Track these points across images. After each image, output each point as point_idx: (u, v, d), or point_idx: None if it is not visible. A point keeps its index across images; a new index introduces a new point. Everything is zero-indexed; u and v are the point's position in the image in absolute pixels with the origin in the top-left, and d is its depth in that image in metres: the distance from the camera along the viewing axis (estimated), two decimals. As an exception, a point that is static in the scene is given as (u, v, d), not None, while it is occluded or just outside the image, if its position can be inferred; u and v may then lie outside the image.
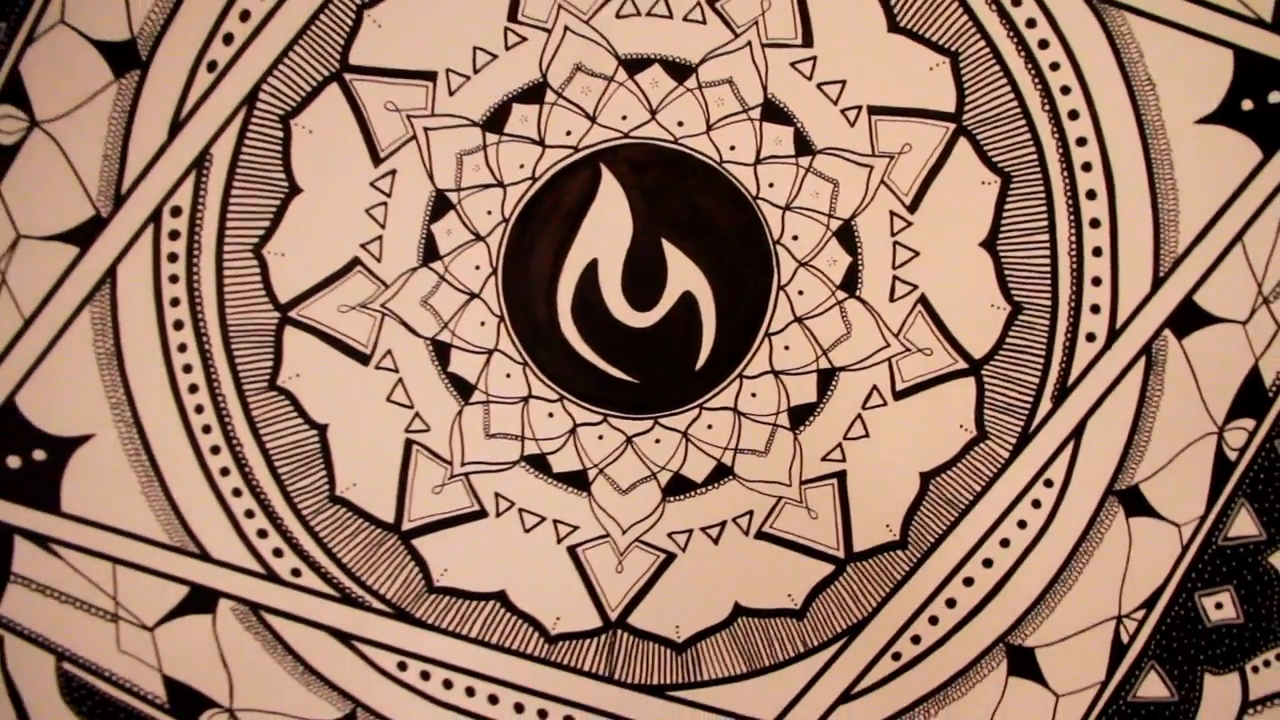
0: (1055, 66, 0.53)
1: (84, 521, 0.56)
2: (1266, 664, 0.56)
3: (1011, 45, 0.53)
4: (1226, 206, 0.54)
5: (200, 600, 0.56)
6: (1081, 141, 0.54)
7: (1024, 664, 0.56)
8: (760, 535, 0.57)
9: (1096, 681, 0.57)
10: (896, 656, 0.57)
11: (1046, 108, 0.54)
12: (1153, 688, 0.56)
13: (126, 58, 0.53)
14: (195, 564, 0.57)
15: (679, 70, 0.54)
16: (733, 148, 0.55)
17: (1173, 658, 0.55)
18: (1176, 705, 0.56)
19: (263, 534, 0.56)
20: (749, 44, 0.54)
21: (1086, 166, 0.54)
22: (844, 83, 0.54)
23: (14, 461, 0.55)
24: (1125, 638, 0.56)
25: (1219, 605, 0.56)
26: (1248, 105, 0.53)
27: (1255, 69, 0.53)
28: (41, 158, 0.54)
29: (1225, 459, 0.55)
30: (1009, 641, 0.56)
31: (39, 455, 0.55)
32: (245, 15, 0.52)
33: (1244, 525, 0.55)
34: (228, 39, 0.53)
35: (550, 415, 0.56)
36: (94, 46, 0.53)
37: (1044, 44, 0.53)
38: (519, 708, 0.57)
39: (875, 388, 0.55)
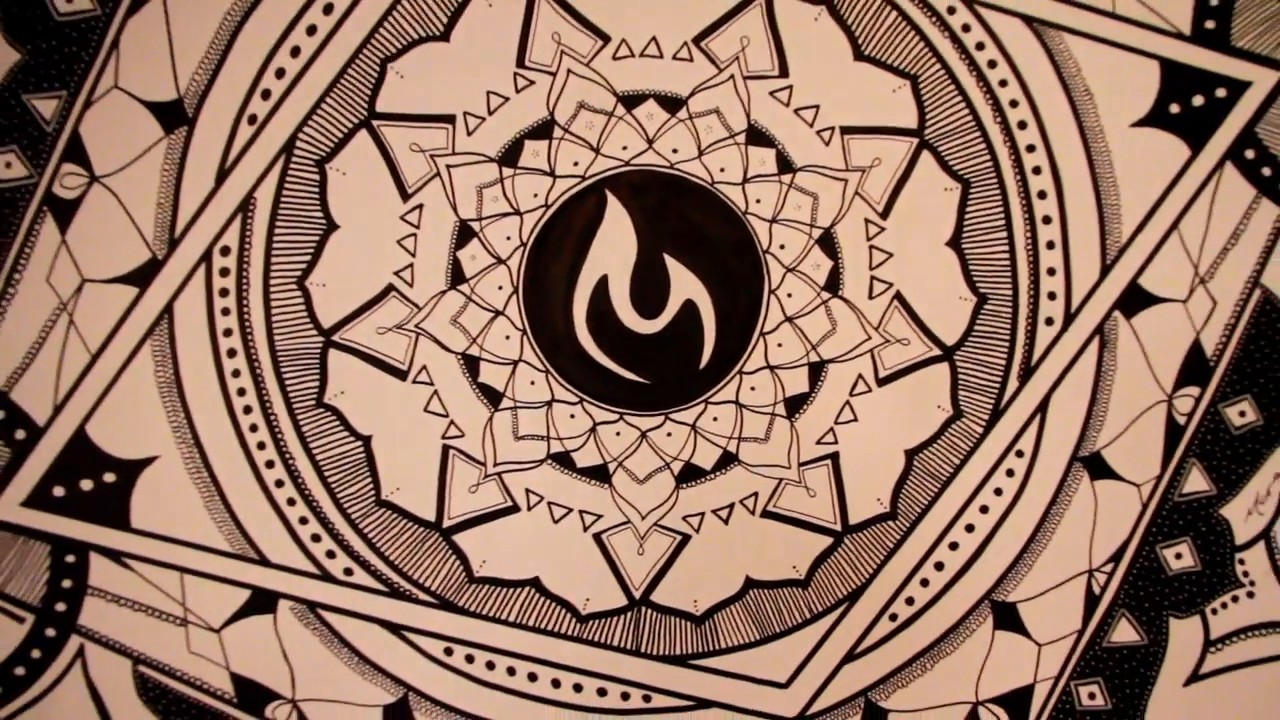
0: (1004, 83, 0.56)
1: (152, 536, 0.58)
2: (1224, 605, 0.58)
3: (964, 67, 0.55)
4: (1163, 199, 0.57)
5: (262, 602, 0.57)
6: (1031, 148, 0.56)
7: (1008, 618, 0.58)
8: (765, 514, 0.58)
9: (1073, 630, 0.59)
10: (893, 617, 0.59)
11: (998, 120, 0.56)
12: (1124, 633, 0.58)
13: (175, 116, 0.55)
14: (256, 569, 0.58)
15: (671, 103, 0.56)
16: (723, 170, 0.56)
17: (1140, 605, 0.58)
18: (1146, 648, 0.58)
19: (316, 538, 0.57)
20: (732, 77, 0.56)
21: (1036, 170, 0.56)
22: (818, 107, 0.56)
23: (87, 484, 0.56)
24: (1097, 589, 0.58)
25: (1178, 555, 0.58)
26: (1175, 109, 0.55)
27: (1179, 77, 0.55)
28: (101, 209, 0.55)
29: (1176, 424, 0.57)
30: (993, 598, 0.58)
31: (109, 478, 0.56)
32: (280, 73, 0.54)
33: (1196, 482, 0.58)
34: (265, 94, 0.55)
35: (572, 416, 0.57)
36: (145, 107, 0.55)
37: (993, 64, 0.55)
38: (556, 683, 0.58)
39: (860, 376, 0.57)
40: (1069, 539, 0.58)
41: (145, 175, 0.55)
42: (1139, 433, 0.58)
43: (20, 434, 0.56)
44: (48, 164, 0.56)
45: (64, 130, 0.56)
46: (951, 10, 0.54)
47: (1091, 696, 0.58)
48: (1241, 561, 0.57)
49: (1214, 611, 0.58)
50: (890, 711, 0.59)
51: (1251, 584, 0.57)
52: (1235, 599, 0.57)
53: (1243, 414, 0.56)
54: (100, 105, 0.55)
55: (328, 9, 0.54)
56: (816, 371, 0.57)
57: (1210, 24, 0.55)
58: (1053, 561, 0.59)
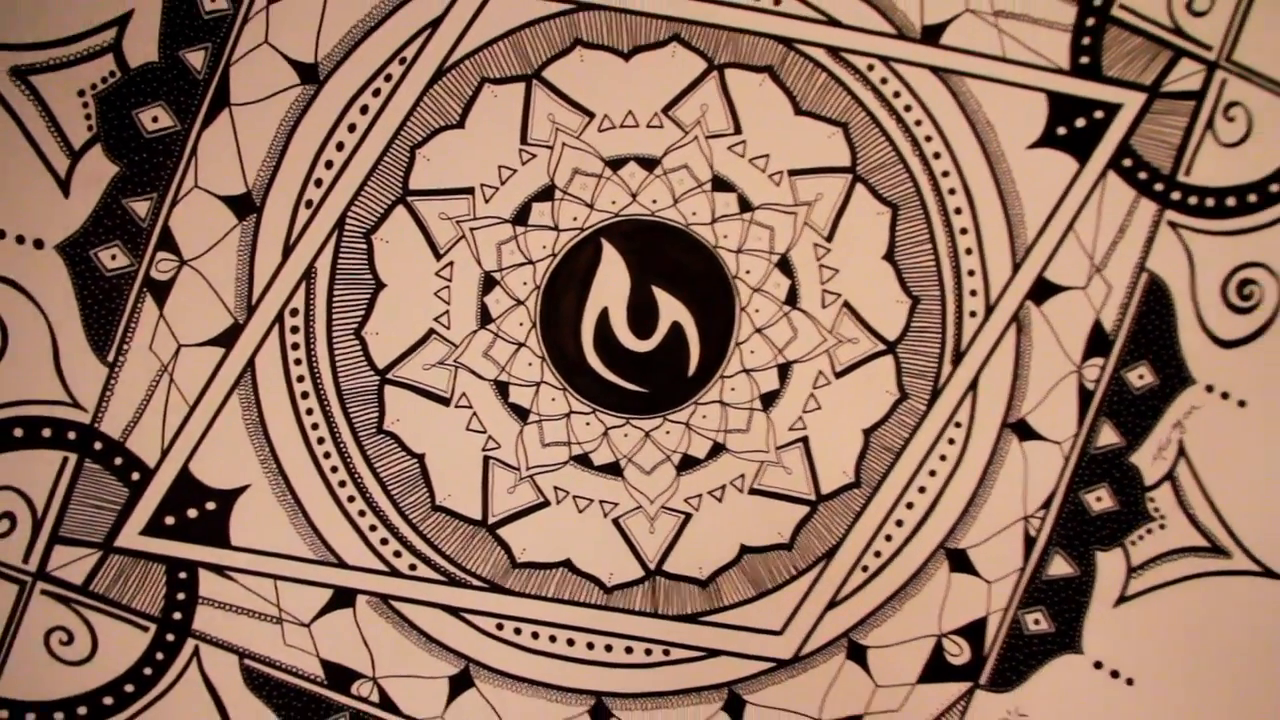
0: (919, 123, 0.59)
1: (249, 551, 0.59)
2: (1140, 538, 0.60)
3: (885, 113, 0.59)
4: (1059, 205, 0.59)
5: (342, 598, 0.60)
6: (945, 174, 0.59)
7: (960, 562, 0.61)
8: (752, 491, 0.60)
9: (1016, 569, 0.60)
10: (865, 569, 0.61)
11: (917, 153, 0.59)
12: (1059, 567, 0.61)
13: (245, 206, 0.58)
14: (336, 571, 0.60)
15: (648, 163, 0.59)
16: (694, 213, 0.59)
17: (1070, 543, 0.60)
18: (1079, 578, 0.61)
19: (384, 541, 0.60)
20: (696, 138, 0.59)
21: (952, 191, 0.59)
22: (768, 156, 0.59)
23: (192, 513, 0.59)
24: (1032, 532, 0.61)
25: (1099, 499, 0.60)
26: (1062, 131, 0.59)
27: (1063, 104, 0.58)
28: (190, 286, 0.58)
29: (1086, 389, 0.60)
30: (946, 546, 0.61)
31: (210, 505, 0.59)
32: (329, 164, 0.58)
33: (1108, 436, 0.60)
34: (318, 183, 0.58)
35: (587, 424, 0.60)
36: (221, 201, 0.58)
37: (908, 108, 0.59)
38: (590, 645, 0.61)
39: (820, 372, 0.60)
40: (1005, 492, 0.60)
41: (224, 256, 0.58)
42: (1056, 399, 0.60)
43: (135, 475, 0.58)
44: (145, 253, 0.57)
45: (156, 225, 0.58)
46: (871, 68, 0.58)
47: (1036, 622, 0.60)
48: (1152, 500, 0.60)
49: (1133, 543, 0.60)
50: (869, 648, 0.61)
51: (1162, 518, 0.60)
52: (1150, 531, 0.60)
53: (1141, 377, 0.59)
54: (184, 202, 0.57)
55: (364, 109, 0.57)
56: (784, 371, 0.60)
57: (1085, 59, 0.58)
58: (993, 512, 0.61)
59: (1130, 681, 0.60)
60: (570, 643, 0.61)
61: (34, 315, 0.57)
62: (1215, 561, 0.60)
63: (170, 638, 0.59)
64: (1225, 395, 0.59)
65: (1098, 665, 0.60)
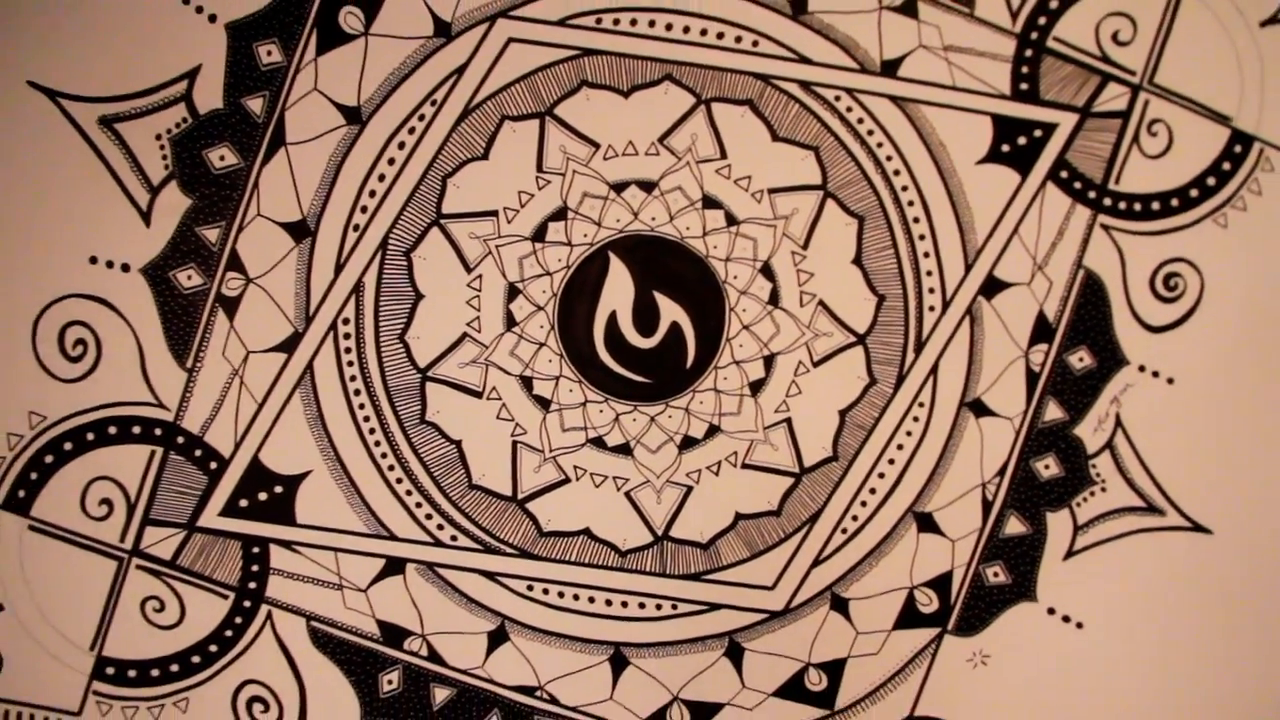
0: (880, 145, 0.59)
1: (312, 528, 0.61)
2: (1085, 500, 0.61)
3: (851, 137, 0.59)
4: (1004, 213, 0.60)
5: (394, 567, 0.61)
6: (905, 188, 0.60)
7: (927, 523, 0.61)
8: (744, 466, 0.61)
9: (976, 528, 0.61)
10: (844, 531, 0.61)
11: (879, 171, 0.60)
12: (1014, 527, 0.61)
13: (301, 231, 0.59)
14: (387, 543, 0.61)
15: (647, 186, 0.59)
16: (688, 228, 0.60)
17: (1023, 505, 0.61)
18: (1032, 536, 0.61)
19: (429, 516, 0.61)
20: (687, 163, 0.60)
21: (910, 203, 0.60)
22: (750, 177, 0.60)
23: (263, 496, 0.60)
24: (989, 497, 0.61)
25: (1047, 466, 0.61)
26: (1006, 148, 0.59)
27: (1006, 125, 0.59)
28: (257, 301, 0.60)
29: (1033, 371, 0.60)
30: (915, 510, 0.61)
31: (278, 489, 0.60)
32: (372, 193, 0.59)
33: (1053, 412, 0.61)
34: (364, 209, 0.59)
35: (601, 411, 0.61)
36: (280, 227, 0.59)
37: (870, 132, 0.60)
38: (608, 602, 0.62)
39: (800, 362, 0.61)
40: (964, 462, 0.61)
41: (284, 274, 0.59)
42: (1006, 381, 0.61)
43: (213, 464, 0.60)
44: (216, 274, 0.59)
45: (225, 249, 0.59)
46: (838, 98, 0.59)
47: (995, 575, 0.61)
48: (1094, 466, 0.61)
49: (1078, 505, 0.61)
50: (850, 599, 0.61)
51: (1103, 482, 0.61)
52: (1092, 494, 0.61)
53: (1081, 359, 0.60)
54: (249, 229, 0.59)
55: (401, 145, 0.59)
56: (769, 362, 0.61)
57: (1024, 85, 0.59)
58: (954, 479, 0.61)
59: (1080, 625, 0.61)
60: (591, 600, 0.61)
61: (123, 329, 0.59)
62: (1151, 519, 0.61)
63: (246, 604, 0.60)
64: (1155, 374, 0.60)
65: (1051, 611, 0.61)
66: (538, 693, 0.62)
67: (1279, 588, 0.61)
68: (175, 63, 0.58)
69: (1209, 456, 0.60)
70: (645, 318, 0.60)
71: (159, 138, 0.58)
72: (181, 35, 0.58)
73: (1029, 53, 0.59)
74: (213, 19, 0.58)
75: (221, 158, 0.59)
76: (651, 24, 0.58)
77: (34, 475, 0.59)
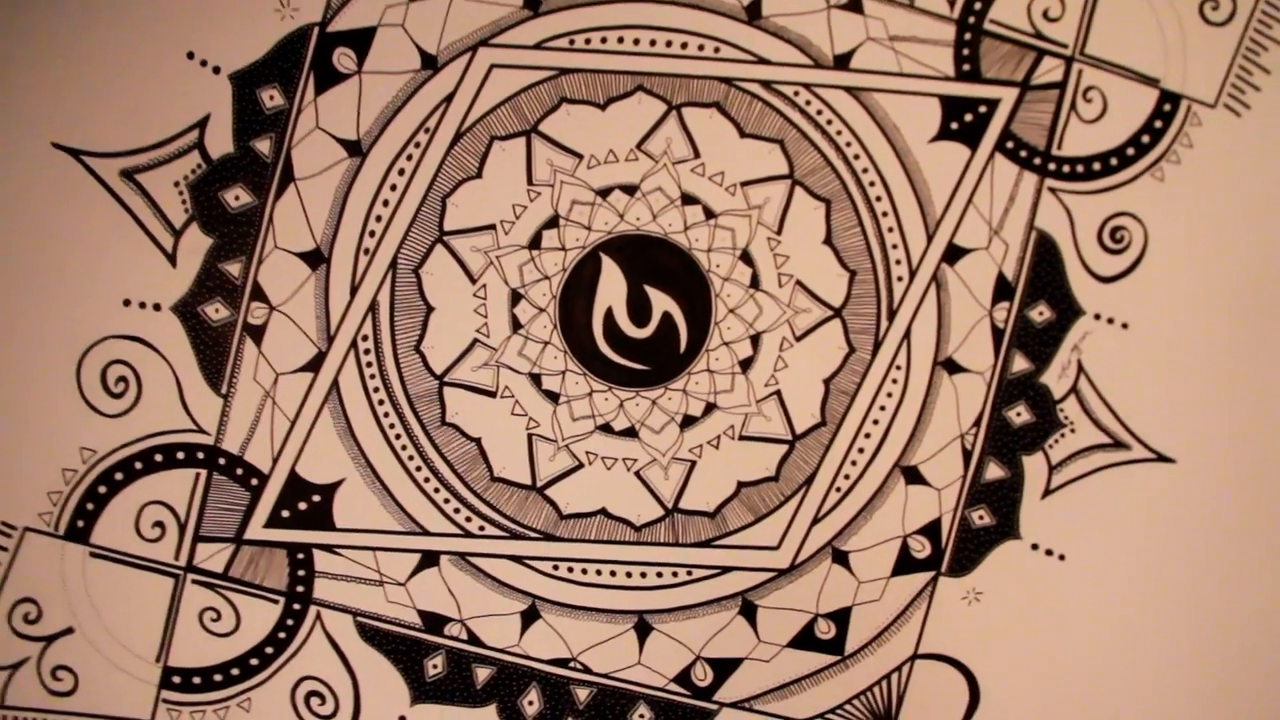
0: (839, 133, 0.61)
1: (351, 530, 0.62)
2: (1056, 441, 0.63)
3: (812, 127, 0.61)
4: (958, 185, 0.61)
5: (428, 559, 0.62)
6: (865, 170, 0.61)
7: (913, 475, 0.63)
8: (742, 438, 0.63)
9: (959, 476, 0.63)
10: (838, 490, 0.63)
11: (840, 157, 0.61)
12: (993, 472, 0.63)
13: (317, 258, 0.60)
14: (421, 538, 0.62)
15: (630, 189, 0.61)
16: (670, 225, 0.61)
17: (1000, 451, 0.63)
18: (1010, 479, 0.63)
19: (457, 510, 0.62)
20: (664, 165, 0.61)
21: (872, 184, 0.61)
22: (723, 172, 0.61)
23: (303, 505, 0.62)
24: (968, 446, 0.63)
25: (1019, 414, 0.63)
26: (955, 125, 0.60)
27: (953, 104, 0.60)
28: (281, 327, 0.61)
29: (998, 329, 0.62)
30: (901, 464, 0.63)
31: (316, 498, 0.62)
32: (379, 218, 0.60)
33: (1019, 364, 0.62)
34: (371, 234, 0.60)
35: (605, 399, 0.62)
36: (297, 256, 0.60)
37: (829, 122, 0.61)
38: (628, 574, 0.63)
39: (784, 338, 0.62)
40: (943, 416, 0.62)
41: (304, 300, 0.61)
42: (974, 339, 0.62)
43: (254, 481, 0.61)
44: (241, 305, 0.60)
45: (248, 281, 0.60)
46: (797, 94, 0.60)
47: (980, 518, 0.63)
48: (1062, 410, 0.62)
49: (1050, 446, 0.62)
50: (849, 552, 0.63)
51: (1072, 424, 0.62)
52: (1063, 435, 0.62)
53: (1041, 313, 0.62)
54: (268, 261, 0.60)
55: (400, 172, 0.60)
56: (756, 341, 0.62)
57: (966, 66, 0.60)
58: (935, 433, 0.63)
59: (1062, 557, 0.62)
60: (612, 574, 0.63)
61: (160, 364, 0.60)
62: (1118, 454, 0.62)
63: (296, 607, 0.62)
64: (1110, 320, 0.61)
65: (1034, 547, 0.63)
66: (571, 664, 0.63)
67: (1241, 508, 0.63)
68: (186, 114, 0.59)
69: (1166, 392, 0.62)
70: (639, 310, 0.61)
71: (177, 184, 0.59)
72: (190, 88, 0.59)
73: (968, 36, 0.60)
74: (217, 70, 0.59)
75: (236, 197, 0.60)
76: (620, 40, 0.60)
77: (90, 506, 0.61)
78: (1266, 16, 0.60)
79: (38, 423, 0.60)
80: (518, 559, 0.63)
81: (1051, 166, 0.61)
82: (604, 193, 0.61)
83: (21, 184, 0.58)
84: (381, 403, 0.62)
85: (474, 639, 0.63)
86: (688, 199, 0.61)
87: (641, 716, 0.64)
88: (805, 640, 0.63)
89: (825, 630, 0.64)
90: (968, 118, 0.61)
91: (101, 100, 0.59)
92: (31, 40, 0.57)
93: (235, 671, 0.62)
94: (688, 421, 0.63)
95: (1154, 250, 0.61)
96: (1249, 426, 0.62)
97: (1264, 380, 0.62)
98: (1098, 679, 0.63)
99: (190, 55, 0.58)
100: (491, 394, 0.62)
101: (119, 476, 0.61)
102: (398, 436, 0.62)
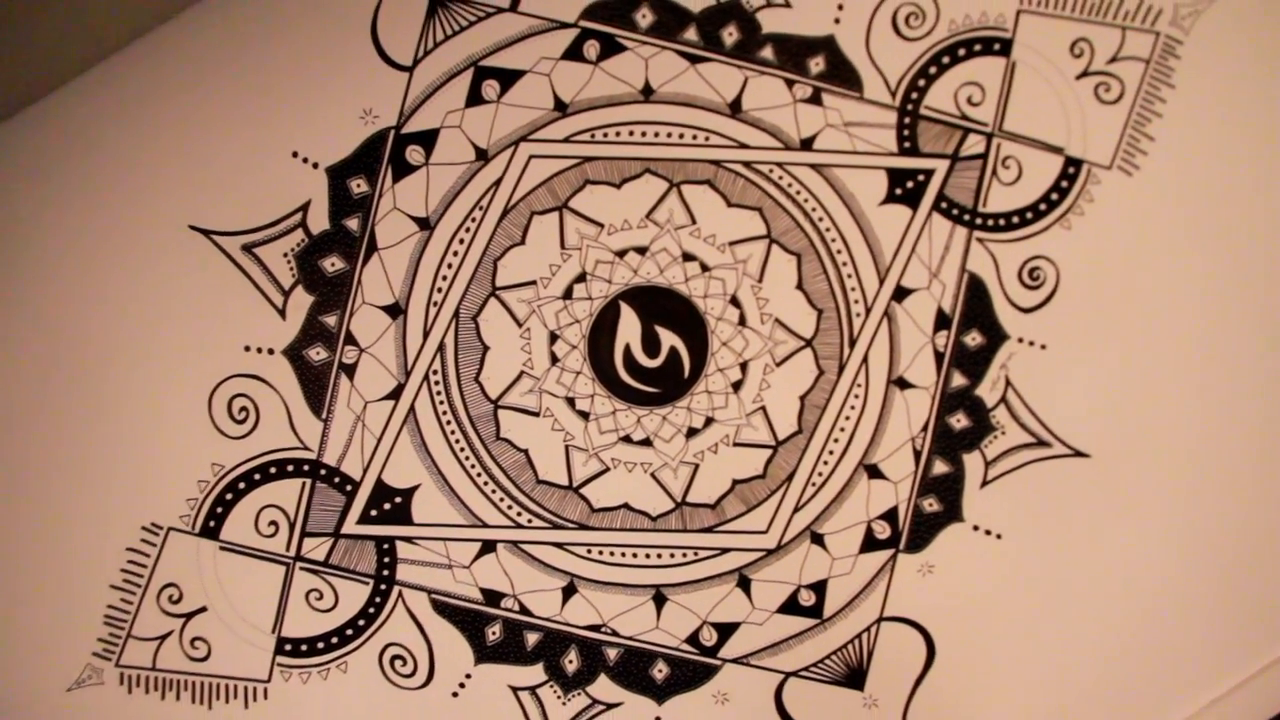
0: (806, 200, 0.64)
1: (426, 524, 0.65)
2: (990, 442, 0.65)
3: (785, 198, 0.64)
4: (903, 238, 0.64)
5: (487, 547, 0.66)
6: (828, 229, 0.64)
7: (875, 472, 0.66)
8: (735, 444, 0.66)
9: (911, 471, 0.66)
10: (814, 484, 0.66)
11: (808, 220, 0.64)
12: (939, 468, 0.66)
13: (395, 310, 0.63)
14: (481, 530, 0.66)
15: (641, 250, 0.64)
16: (674, 277, 0.64)
17: (944, 451, 0.65)
18: (954, 473, 0.65)
19: (509, 507, 0.66)
20: (668, 230, 0.64)
21: (834, 240, 0.64)
22: (714, 235, 0.64)
23: (387, 506, 0.64)
24: (919, 447, 0.66)
25: (959, 420, 0.65)
26: (899, 191, 0.63)
27: (897, 175, 0.63)
28: (369, 365, 0.64)
29: (939, 352, 0.65)
30: (864, 463, 0.66)
31: (398, 500, 0.65)
32: (445, 277, 0.63)
33: (958, 380, 0.64)
34: (439, 290, 0.63)
35: (626, 416, 0.65)
36: (380, 309, 0.64)
37: (798, 192, 0.64)
38: (647, 556, 0.66)
39: (766, 364, 0.65)
40: (896, 424, 0.65)
41: (387, 344, 0.64)
42: (920, 361, 0.65)
43: (349, 487, 0.64)
44: (337, 348, 0.63)
45: (342, 329, 0.63)
46: (772, 171, 0.63)
47: (930, 505, 0.66)
48: (994, 417, 0.65)
49: (986, 446, 0.65)
50: (825, 534, 0.66)
51: (1002, 428, 0.65)
52: (995, 437, 0.65)
53: (974, 339, 0.64)
54: (358, 313, 0.64)
55: (460, 240, 0.63)
56: (744, 367, 0.65)
57: (907, 144, 0.63)
58: (891, 437, 0.66)
59: (999, 536, 0.65)
60: (634, 556, 0.66)
61: (273, 396, 0.63)
62: (1042, 450, 0.65)
63: (383, 587, 0.65)
64: (1031, 343, 0.64)
65: (975, 528, 0.65)
66: (603, 629, 0.66)
67: (1144, 494, 0.65)
68: (291, 200, 0.62)
69: (1080, 400, 0.64)
70: (651, 345, 0.64)
71: (286, 255, 0.63)
72: (294, 180, 0.62)
73: (907, 120, 0.63)
74: (315, 166, 0.62)
75: (332, 264, 0.63)
76: (631, 133, 0.63)
77: (219, 509, 0.64)
78: (1149, 95, 0.63)
79: (178, 444, 0.63)
80: (559, 545, 0.66)
81: (978, 221, 0.64)
82: (621, 253, 0.64)
83: (163, 258, 0.62)
84: (449, 423, 0.65)
85: (524, 610, 0.66)
86: (687, 256, 0.65)
87: (660, 671, 0.66)
88: (791, 607, 0.66)
89: (807, 599, 0.66)
90: (909, 185, 0.63)
91: (227, 191, 0.62)
92: (173, 144, 0.61)
93: (334, 640, 0.66)
94: (692, 432, 0.66)
95: (1065, 286, 0.64)
96: (1149, 426, 0.64)
97: (1160, 387, 0.64)
98: (1030, 636, 0.66)
99: (294, 154, 0.62)
100: (535, 414, 0.65)
101: (242, 486, 0.64)
102: (462, 449, 0.65)
